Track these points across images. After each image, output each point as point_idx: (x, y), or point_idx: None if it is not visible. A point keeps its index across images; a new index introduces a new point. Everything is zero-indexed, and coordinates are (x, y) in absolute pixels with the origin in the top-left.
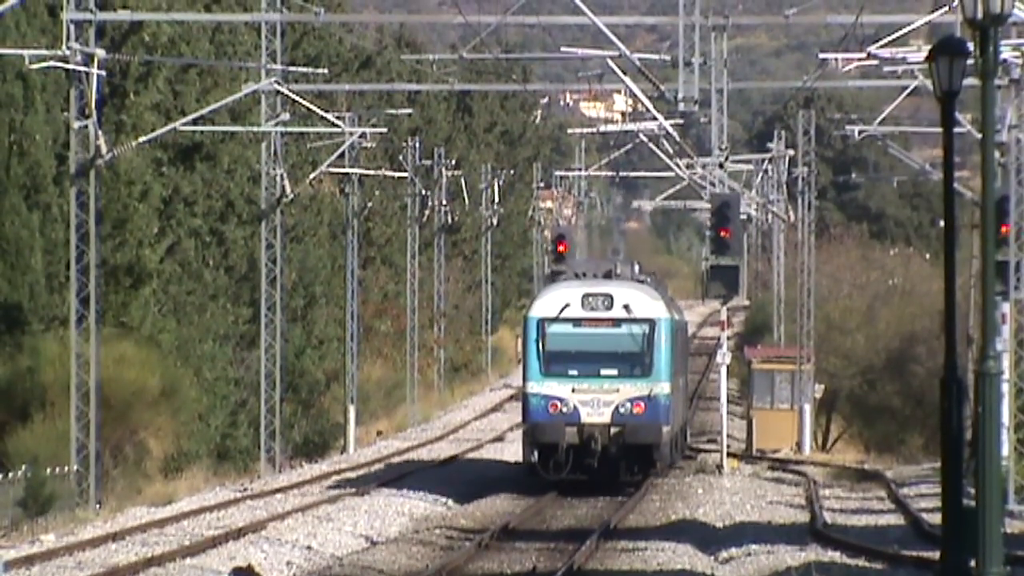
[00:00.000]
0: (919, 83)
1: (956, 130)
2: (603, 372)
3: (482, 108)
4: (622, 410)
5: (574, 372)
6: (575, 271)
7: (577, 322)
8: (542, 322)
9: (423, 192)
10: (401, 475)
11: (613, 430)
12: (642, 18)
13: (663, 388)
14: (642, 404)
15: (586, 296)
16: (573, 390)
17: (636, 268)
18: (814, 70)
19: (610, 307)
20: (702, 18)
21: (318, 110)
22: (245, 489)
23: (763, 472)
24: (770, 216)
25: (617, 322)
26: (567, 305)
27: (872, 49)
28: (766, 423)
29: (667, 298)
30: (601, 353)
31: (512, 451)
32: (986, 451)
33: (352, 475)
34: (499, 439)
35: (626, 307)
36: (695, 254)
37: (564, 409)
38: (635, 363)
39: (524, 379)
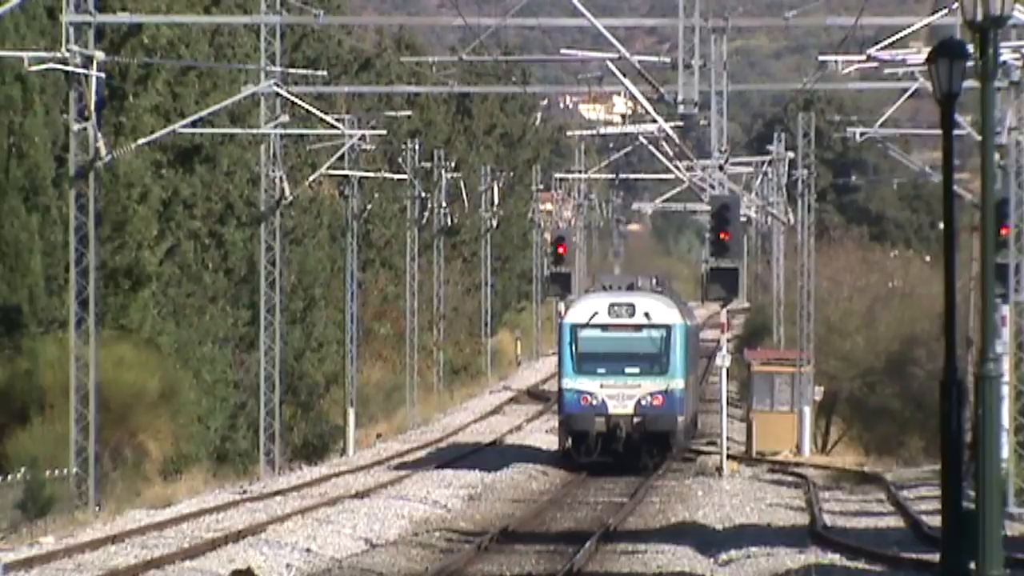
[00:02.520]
0: (919, 85)
1: (956, 132)
2: (627, 370)
3: (482, 110)
4: (643, 402)
5: (602, 370)
6: (602, 284)
7: (604, 327)
8: (575, 327)
9: (423, 194)
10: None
11: (636, 419)
12: (642, 20)
13: (678, 383)
14: (660, 397)
15: (612, 305)
16: (601, 385)
17: (654, 281)
18: (814, 72)
19: (632, 314)
20: (702, 20)
21: (317, 112)
22: (244, 491)
23: (763, 474)
24: (770, 218)
25: (639, 327)
26: (596, 313)
27: (872, 51)
28: (766, 425)
29: (681, 306)
30: (625, 354)
31: (512, 452)
32: (986, 453)
33: (352, 478)
34: (498, 442)
35: (646, 314)
36: (695, 256)
37: (594, 402)
38: (654, 362)
39: (559, 376)
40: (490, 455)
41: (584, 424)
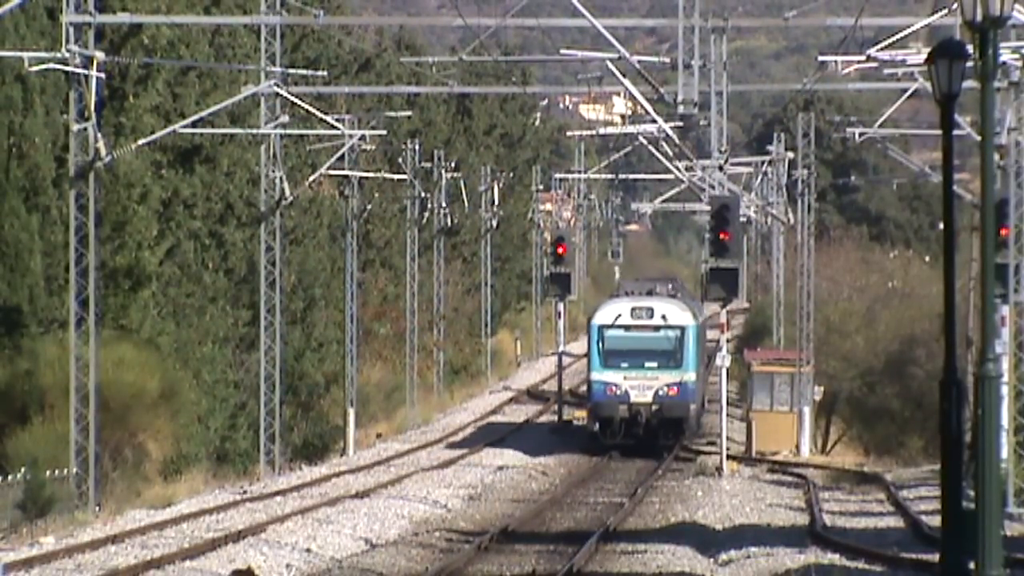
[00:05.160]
0: (919, 86)
1: (956, 133)
2: (646, 364)
3: (482, 110)
4: (661, 393)
5: (625, 364)
6: (625, 290)
7: (627, 327)
8: (602, 328)
9: (423, 194)
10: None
11: (654, 407)
12: (641, 20)
13: (691, 376)
14: (675, 388)
15: (633, 308)
16: (624, 378)
17: (670, 287)
18: (814, 72)
19: (651, 317)
20: (702, 20)
21: (317, 112)
22: (244, 491)
23: (762, 474)
24: (770, 218)
25: (657, 328)
26: (619, 315)
27: (872, 52)
28: (765, 425)
29: (694, 307)
30: (645, 350)
31: (512, 452)
32: (985, 454)
33: (352, 478)
34: (500, 440)
35: (663, 317)
36: (694, 256)
37: (618, 392)
38: (670, 358)
39: (588, 370)
40: (489, 456)
41: (610, 411)
